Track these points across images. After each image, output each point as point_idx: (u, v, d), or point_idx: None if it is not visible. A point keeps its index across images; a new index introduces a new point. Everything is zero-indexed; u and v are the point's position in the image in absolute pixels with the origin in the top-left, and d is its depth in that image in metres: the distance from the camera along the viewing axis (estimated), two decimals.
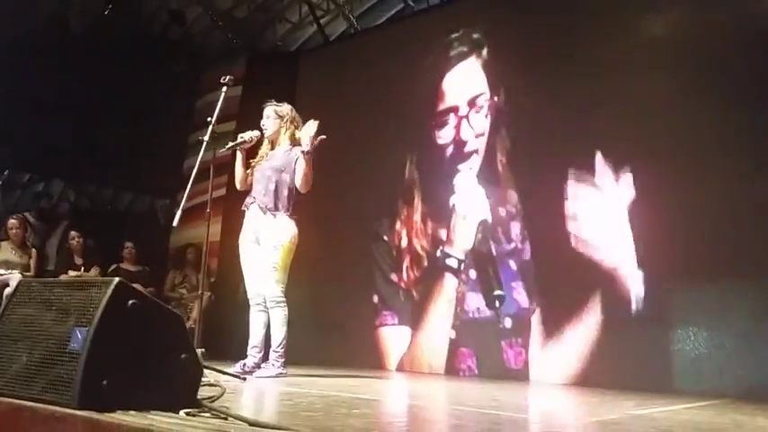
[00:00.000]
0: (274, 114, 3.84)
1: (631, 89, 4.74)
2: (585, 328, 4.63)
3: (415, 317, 5.59)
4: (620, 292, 4.56)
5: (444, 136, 5.74)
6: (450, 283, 5.38)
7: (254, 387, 2.94)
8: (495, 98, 5.52)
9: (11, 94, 6.29)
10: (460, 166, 5.57)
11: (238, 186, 3.87)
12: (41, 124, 6.74)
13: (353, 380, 3.81)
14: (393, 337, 5.70)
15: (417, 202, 5.84)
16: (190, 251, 6.39)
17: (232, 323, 5.74)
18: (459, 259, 5.34)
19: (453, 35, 5.93)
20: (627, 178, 4.69)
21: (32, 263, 5.71)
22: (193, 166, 3.56)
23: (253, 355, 3.63)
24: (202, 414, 1.59)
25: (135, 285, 1.73)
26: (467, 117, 5.63)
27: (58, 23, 7.06)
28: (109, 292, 1.58)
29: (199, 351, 2.29)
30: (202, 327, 3.77)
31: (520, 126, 5.32)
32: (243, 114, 6.88)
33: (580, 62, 5.04)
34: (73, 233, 6.17)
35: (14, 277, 5.20)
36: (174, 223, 3.53)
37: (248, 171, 3.83)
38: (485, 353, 5.11)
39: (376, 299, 5.90)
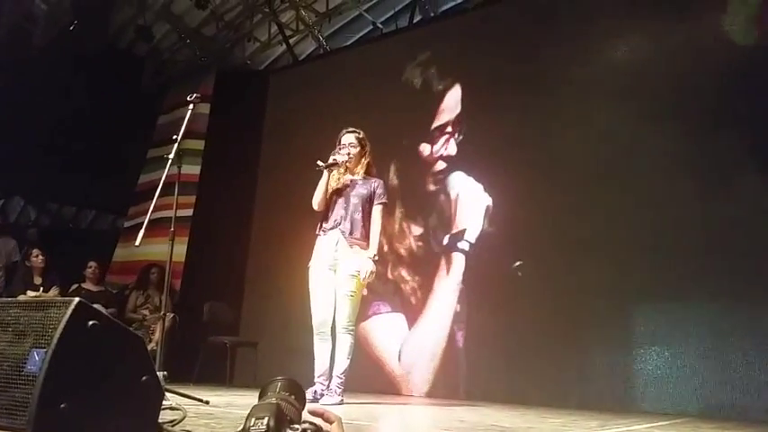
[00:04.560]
0: (356, 142, 3.86)
1: (594, 112, 4.86)
2: (548, 348, 4.66)
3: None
4: (583, 312, 4.61)
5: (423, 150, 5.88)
6: (457, 268, 5.40)
7: (215, 411, 2.88)
8: (463, 116, 5.63)
9: None
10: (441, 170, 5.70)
11: (316, 206, 3.80)
12: (1, 140, 6.58)
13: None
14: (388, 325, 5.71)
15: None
16: (153, 271, 6.25)
17: (195, 346, 5.62)
18: (470, 242, 5.35)
19: (420, 57, 6.02)
20: (587, 200, 4.78)
21: None
22: (148, 182, 3.50)
23: (321, 382, 3.65)
24: None
25: (96, 306, 1.69)
26: (451, 134, 5.73)
27: (20, 37, 6.93)
28: (68, 312, 1.53)
29: (160, 374, 2.24)
30: (165, 349, 3.68)
31: (486, 144, 5.41)
32: (211, 133, 6.85)
33: (543, 84, 5.15)
34: (35, 251, 5.89)
35: None
36: (137, 242, 3.45)
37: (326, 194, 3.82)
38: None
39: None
